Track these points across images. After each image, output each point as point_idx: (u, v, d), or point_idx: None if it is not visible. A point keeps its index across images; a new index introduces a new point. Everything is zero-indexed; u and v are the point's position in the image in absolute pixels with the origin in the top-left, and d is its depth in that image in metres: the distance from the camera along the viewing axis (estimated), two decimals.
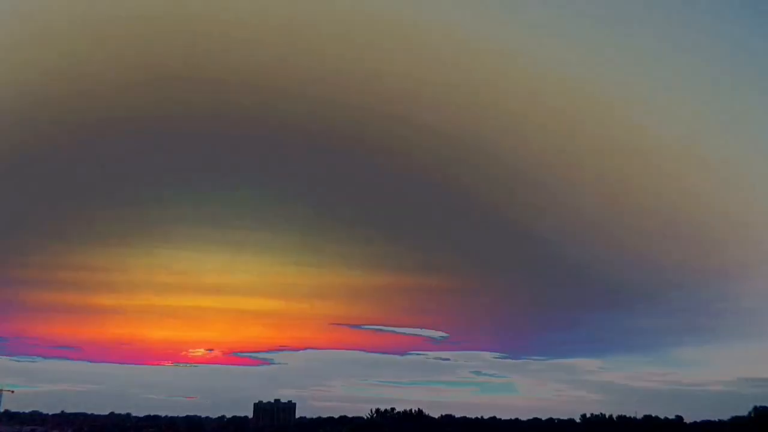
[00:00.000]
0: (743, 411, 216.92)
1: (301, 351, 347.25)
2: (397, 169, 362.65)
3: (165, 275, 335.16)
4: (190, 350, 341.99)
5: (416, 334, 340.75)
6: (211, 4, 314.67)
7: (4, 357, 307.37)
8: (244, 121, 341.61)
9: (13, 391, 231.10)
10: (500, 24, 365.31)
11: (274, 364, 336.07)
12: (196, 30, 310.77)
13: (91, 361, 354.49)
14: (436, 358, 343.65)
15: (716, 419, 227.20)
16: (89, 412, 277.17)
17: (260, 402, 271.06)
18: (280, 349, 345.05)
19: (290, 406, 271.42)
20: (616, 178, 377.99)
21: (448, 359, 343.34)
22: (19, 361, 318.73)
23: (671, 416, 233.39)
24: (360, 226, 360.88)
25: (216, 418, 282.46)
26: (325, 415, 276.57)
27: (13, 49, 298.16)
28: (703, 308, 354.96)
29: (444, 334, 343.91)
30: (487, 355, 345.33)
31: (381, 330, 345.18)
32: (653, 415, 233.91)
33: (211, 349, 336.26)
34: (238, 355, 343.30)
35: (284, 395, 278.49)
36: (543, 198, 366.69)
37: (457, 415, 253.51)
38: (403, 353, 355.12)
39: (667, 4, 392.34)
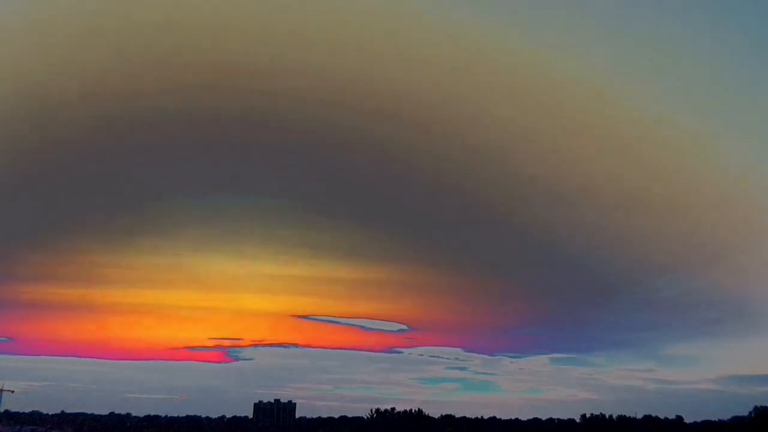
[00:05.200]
0: (732, 410, 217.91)
1: (273, 347, 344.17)
2: (368, 162, 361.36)
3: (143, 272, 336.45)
4: (160, 347, 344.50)
5: (386, 330, 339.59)
6: (211, 8, 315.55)
7: (4, 356, 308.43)
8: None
9: (13, 391, 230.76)
10: (495, 24, 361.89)
11: (242, 360, 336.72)
12: (198, 36, 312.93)
13: (87, 358, 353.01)
14: (408, 354, 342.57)
15: (716, 419, 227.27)
16: (89, 412, 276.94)
17: (260, 402, 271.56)
18: (251, 344, 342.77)
19: (290, 406, 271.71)
20: (597, 170, 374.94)
21: (421, 355, 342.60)
22: (19, 360, 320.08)
23: (668, 416, 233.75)
24: (325, 218, 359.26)
25: (216, 418, 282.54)
26: (325, 415, 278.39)
27: (25, 53, 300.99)
28: (687, 302, 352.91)
29: (413, 329, 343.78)
30: (460, 351, 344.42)
31: (340, 323, 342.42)
32: (651, 415, 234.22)
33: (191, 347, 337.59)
34: (201, 351, 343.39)
35: (257, 393, 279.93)
36: (521, 191, 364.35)
37: (450, 414, 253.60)
38: (378, 350, 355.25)
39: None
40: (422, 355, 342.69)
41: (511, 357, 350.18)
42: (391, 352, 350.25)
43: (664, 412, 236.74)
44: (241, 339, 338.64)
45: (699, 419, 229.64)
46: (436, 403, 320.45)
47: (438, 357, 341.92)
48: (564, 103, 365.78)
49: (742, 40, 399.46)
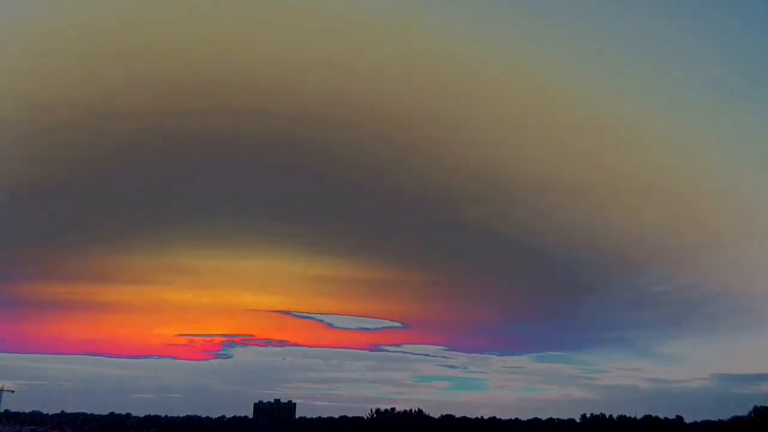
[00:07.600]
0: (730, 410, 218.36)
1: (267, 345, 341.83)
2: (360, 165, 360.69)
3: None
4: (160, 346, 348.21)
5: (371, 328, 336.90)
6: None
7: (4, 355, 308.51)
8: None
9: (13, 391, 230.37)
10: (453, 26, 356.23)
11: (227, 358, 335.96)
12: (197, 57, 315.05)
13: (88, 356, 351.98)
14: (393, 353, 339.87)
15: (716, 419, 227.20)
16: (89, 412, 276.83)
17: (260, 402, 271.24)
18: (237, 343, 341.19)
19: (290, 406, 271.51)
20: (588, 165, 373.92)
21: (405, 353, 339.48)
22: (19, 359, 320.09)
23: (668, 415, 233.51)
24: (315, 216, 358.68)
25: (216, 418, 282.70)
26: (324, 415, 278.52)
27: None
28: (679, 299, 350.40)
29: (398, 327, 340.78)
30: (444, 350, 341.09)
31: (325, 321, 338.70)
32: (651, 415, 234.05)
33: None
34: (200, 349, 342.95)
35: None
36: (506, 189, 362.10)
37: (450, 414, 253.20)
38: (363, 348, 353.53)
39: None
40: (406, 353, 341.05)
41: (498, 355, 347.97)
42: (376, 350, 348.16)
43: (662, 411, 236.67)
44: (241, 337, 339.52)
45: (698, 419, 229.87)
46: (433, 402, 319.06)
47: (425, 355, 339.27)
48: (558, 101, 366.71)
49: (741, 36, 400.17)
